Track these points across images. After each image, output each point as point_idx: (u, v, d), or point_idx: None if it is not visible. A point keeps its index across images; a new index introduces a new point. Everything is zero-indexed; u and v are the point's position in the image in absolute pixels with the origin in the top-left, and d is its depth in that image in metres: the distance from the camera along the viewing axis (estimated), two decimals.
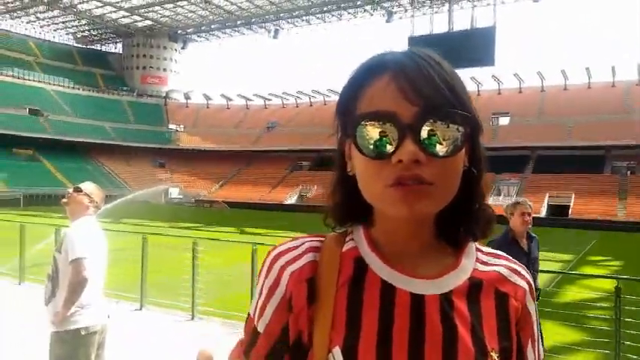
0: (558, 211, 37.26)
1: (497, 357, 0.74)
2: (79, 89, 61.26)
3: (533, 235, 4.40)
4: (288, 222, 27.82)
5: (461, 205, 0.76)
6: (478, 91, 53.58)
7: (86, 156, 52.86)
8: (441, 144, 0.68)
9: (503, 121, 50.31)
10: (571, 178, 40.62)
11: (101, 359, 3.39)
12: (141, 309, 7.29)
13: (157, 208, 29.64)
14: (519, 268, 0.83)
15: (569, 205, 37.78)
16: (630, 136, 40.49)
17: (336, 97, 0.78)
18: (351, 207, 0.80)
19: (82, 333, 3.17)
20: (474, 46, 41.27)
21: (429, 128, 0.67)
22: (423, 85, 0.69)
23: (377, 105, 0.70)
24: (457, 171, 0.72)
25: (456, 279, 0.76)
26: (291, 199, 46.51)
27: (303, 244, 0.81)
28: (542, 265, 4.79)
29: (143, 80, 68.34)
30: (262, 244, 6.85)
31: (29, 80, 56.90)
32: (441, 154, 0.68)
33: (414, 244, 0.77)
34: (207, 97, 67.84)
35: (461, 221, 0.78)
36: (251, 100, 66.14)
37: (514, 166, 42.42)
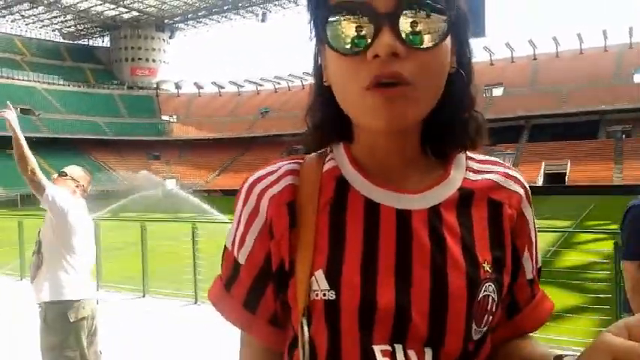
0: (555, 179, 37.42)
1: (490, 268, 0.70)
2: (68, 85, 60.80)
3: None
4: None
5: (448, 113, 0.71)
6: None
7: (80, 152, 52.66)
8: (422, 34, 0.61)
9: (497, 91, 50.18)
10: (566, 145, 40.74)
11: (94, 346, 3.34)
12: (144, 296, 7.34)
13: (155, 201, 29.72)
14: (515, 173, 0.77)
15: (565, 173, 37.92)
16: (624, 100, 40.48)
17: None
18: (328, 123, 0.75)
19: (71, 320, 3.11)
20: None
21: (408, 17, 0.61)
22: None
23: None
24: (440, 69, 0.65)
25: (445, 191, 0.72)
26: None
27: (280, 167, 0.76)
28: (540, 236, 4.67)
29: (133, 72, 67.81)
30: None
31: (18, 80, 56.38)
32: (422, 45, 0.61)
33: (398, 158, 0.72)
34: (199, 86, 67.42)
35: (448, 131, 0.73)
36: (242, 86, 65.75)
37: (509, 136, 42.45)
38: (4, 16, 59.12)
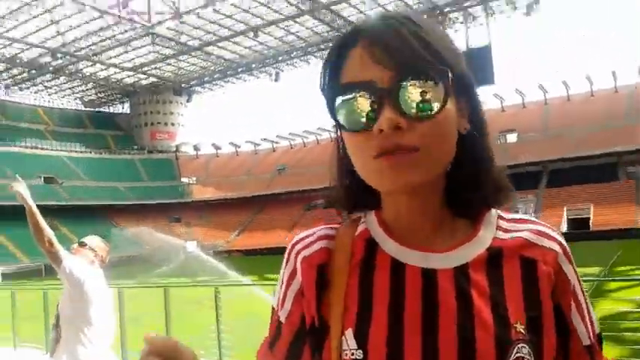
0: (579, 225, 36.71)
1: (524, 328, 0.68)
2: (90, 153, 62.37)
3: None
4: None
5: (465, 172, 0.73)
6: None
7: (102, 218, 53.29)
8: (421, 105, 0.65)
9: (511, 138, 50.15)
10: (587, 188, 40.22)
11: None
12: None
13: (177, 266, 29.80)
14: (548, 230, 0.75)
15: (589, 217, 37.24)
16: (639, 140, 40.13)
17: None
18: (354, 191, 0.78)
19: None
20: (471, 67, 40.76)
21: (406, 90, 0.64)
22: (396, 47, 0.66)
23: (352, 76, 0.68)
24: (446, 133, 0.68)
25: (473, 250, 0.72)
26: None
27: (316, 232, 0.80)
28: None
29: (152, 137, 69.39)
30: None
31: (42, 149, 58.06)
32: (421, 116, 0.65)
33: (424, 218, 0.74)
34: (217, 147, 68.66)
35: (471, 190, 0.74)
36: (259, 145, 66.78)
37: (527, 182, 42.04)
38: (28, 88, 61.54)
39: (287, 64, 58.36)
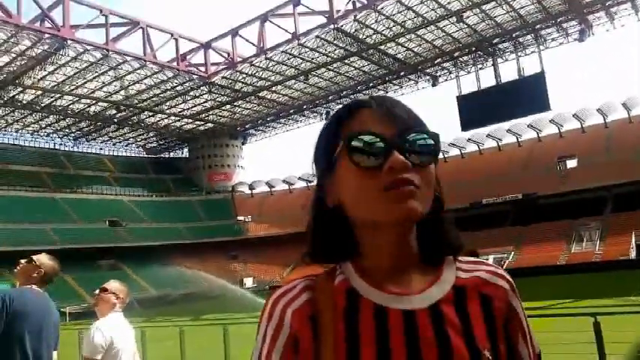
0: None
1: (490, 354, 0.81)
2: (152, 196, 64.99)
3: None
4: None
5: (433, 225, 0.87)
6: (539, 137, 52.23)
7: (163, 258, 54.89)
8: (420, 155, 0.81)
9: (571, 163, 48.45)
10: None
11: None
12: None
13: (234, 300, 30.17)
14: (498, 270, 0.90)
15: None
16: None
17: None
18: (334, 241, 0.88)
19: None
20: (525, 95, 40.63)
21: (409, 143, 0.81)
22: (401, 112, 0.84)
23: (367, 126, 0.82)
24: (432, 182, 0.83)
25: (441, 289, 0.84)
26: None
27: (296, 285, 0.88)
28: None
29: (210, 179, 71.56)
30: None
31: (106, 195, 61.06)
32: (422, 162, 0.81)
33: (399, 262, 0.85)
34: (271, 185, 69.92)
35: (436, 239, 0.87)
36: (311, 181, 67.42)
37: (591, 208, 40.26)
38: (94, 139, 65.33)
39: (337, 102, 59.34)
